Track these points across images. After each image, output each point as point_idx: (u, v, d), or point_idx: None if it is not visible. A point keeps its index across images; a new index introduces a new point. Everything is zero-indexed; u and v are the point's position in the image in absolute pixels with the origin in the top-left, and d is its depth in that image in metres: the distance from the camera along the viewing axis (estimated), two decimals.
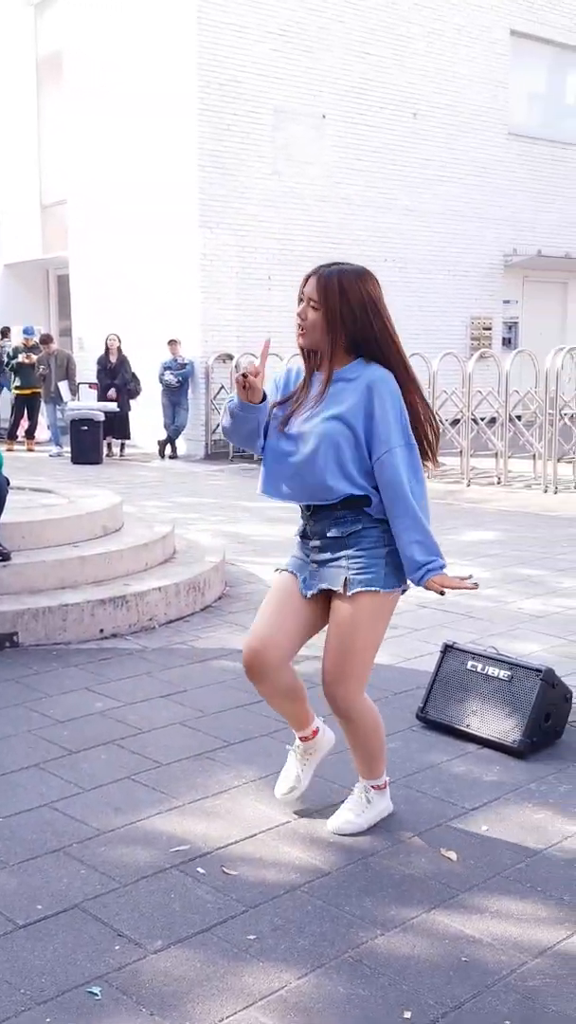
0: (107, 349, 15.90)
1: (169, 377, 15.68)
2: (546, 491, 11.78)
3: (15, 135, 21.92)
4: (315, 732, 3.54)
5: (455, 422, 13.74)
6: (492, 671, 4.15)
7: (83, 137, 18.63)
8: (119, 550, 6.27)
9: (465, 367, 13.29)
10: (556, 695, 4.07)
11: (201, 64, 15.89)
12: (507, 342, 20.16)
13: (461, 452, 12.95)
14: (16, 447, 16.68)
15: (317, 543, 3.21)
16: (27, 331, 16.99)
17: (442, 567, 3.14)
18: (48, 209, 21.81)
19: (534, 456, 13.01)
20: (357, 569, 3.13)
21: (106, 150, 17.90)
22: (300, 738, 3.54)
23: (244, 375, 3.03)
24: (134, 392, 15.93)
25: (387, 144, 18.05)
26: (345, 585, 3.14)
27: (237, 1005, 2.48)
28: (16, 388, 16.59)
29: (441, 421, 13.36)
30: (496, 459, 12.87)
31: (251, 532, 8.97)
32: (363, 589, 3.13)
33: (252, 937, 2.76)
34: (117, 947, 2.71)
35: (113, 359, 15.83)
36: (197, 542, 7.46)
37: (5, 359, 17.01)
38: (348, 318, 3.04)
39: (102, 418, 14.96)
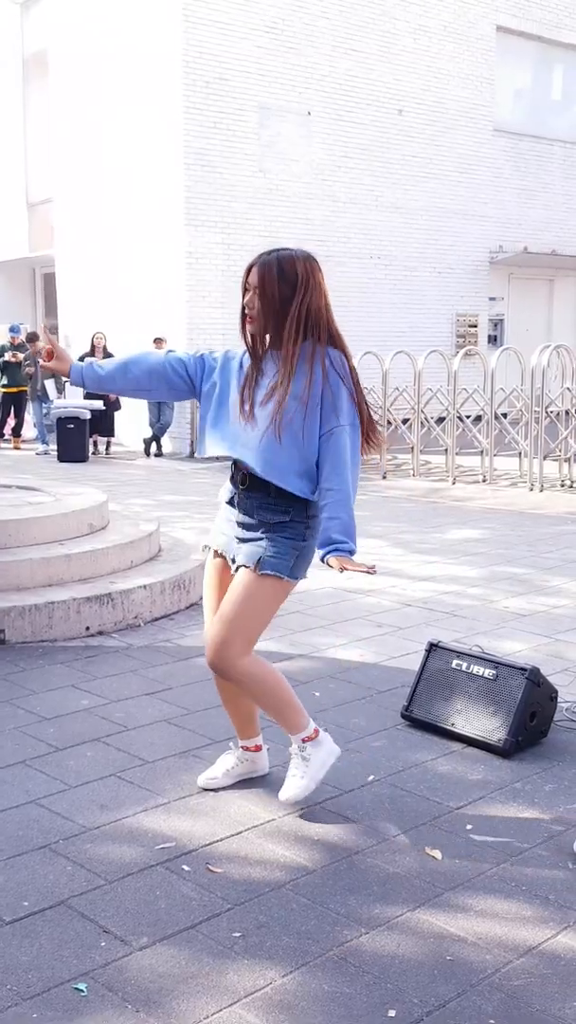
0: (93, 347, 15.87)
1: None
2: (532, 489, 11.82)
3: (1, 133, 21.86)
4: (257, 748, 3.72)
5: (440, 420, 13.78)
6: (477, 670, 4.16)
7: (69, 135, 18.59)
8: (105, 548, 6.26)
9: (451, 364, 13.32)
10: (541, 694, 4.08)
11: (187, 62, 15.88)
12: (493, 339, 20.21)
13: (447, 450, 12.98)
14: (2, 445, 16.63)
15: (244, 519, 3.34)
16: (13, 329, 16.93)
17: (351, 552, 3.20)
18: (34, 207, 21.75)
19: (520, 454, 13.05)
20: (273, 553, 3.26)
21: (92, 148, 17.86)
22: (242, 746, 3.70)
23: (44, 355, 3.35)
24: None
25: (373, 141, 18.08)
26: (258, 564, 3.27)
27: (222, 1002, 2.48)
28: (3, 387, 16.53)
29: (427, 419, 13.43)
30: (481, 457, 12.91)
31: None
32: (271, 573, 3.26)
33: (237, 935, 2.76)
34: (103, 944, 2.72)
35: (99, 356, 15.81)
36: (182, 540, 7.46)
37: None
38: (289, 299, 3.13)
39: (88, 416, 14.95)
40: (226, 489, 3.45)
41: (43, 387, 16.15)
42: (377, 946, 2.72)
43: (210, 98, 16.16)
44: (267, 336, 3.24)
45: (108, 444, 16.22)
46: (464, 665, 4.20)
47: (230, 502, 3.41)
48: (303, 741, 3.47)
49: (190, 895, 2.96)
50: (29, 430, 17.39)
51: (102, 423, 15.64)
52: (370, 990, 2.53)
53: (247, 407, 3.24)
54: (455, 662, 4.23)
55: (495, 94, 19.80)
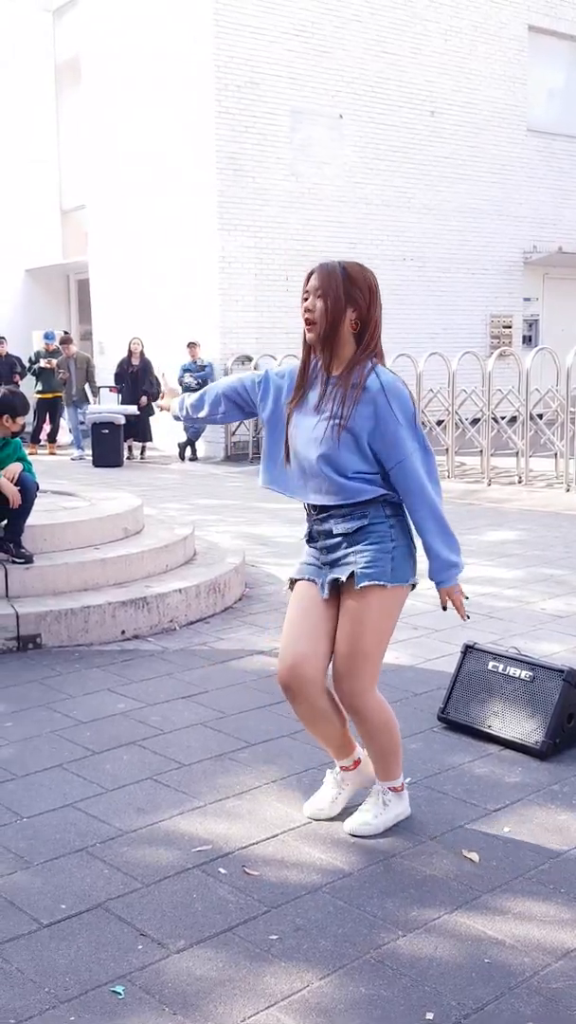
0: (130, 352, 15.92)
1: (188, 379, 15.72)
2: (568, 490, 11.72)
3: (35, 141, 22.04)
4: (356, 763, 3.52)
5: (475, 421, 13.71)
6: (513, 671, 4.13)
7: (101, 141, 18.71)
8: (140, 552, 6.29)
9: (485, 365, 13.25)
10: None
11: (218, 66, 15.92)
12: (527, 340, 20.09)
13: (481, 451, 12.91)
14: (38, 450, 16.75)
15: (325, 543, 3.23)
16: (48, 336, 17.03)
17: (460, 569, 3.22)
18: (68, 214, 21.92)
19: (555, 454, 12.95)
20: (364, 563, 3.13)
21: (124, 154, 17.97)
22: (340, 767, 3.52)
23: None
24: (155, 395, 15.98)
25: (405, 143, 18.02)
26: (351, 578, 3.14)
27: (259, 1005, 2.48)
28: (37, 392, 16.66)
29: (461, 421, 13.37)
30: (517, 458, 12.83)
31: (271, 534, 8.98)
32: (370, 583, 3.12)
33: (274, 937, 2.76)
34: (140, 947, 2.72)
35: (136, 362, 15.86)
36: (217, 544, 7.47)
37: (27, 364, 17.06)
38: (352, 302, 3.09)
39: (123, 421, 15.01)
40: (304, 529, 3.35)
41: (81, 392, 16.24)
42: (414, 949, 2.71)
43: (242, 102, 16.19)
44: (328, 340, 3.13)
45: (143, 449, 16.29)
46: (500, 667, 4.18)
47: (309, 538, 3.30)
48: (390, 790, 3.40)
49: (226, 898, 2.97)
50: (64, 435, 17.49)
51: (137, 428, 15.71)
52: (407, 993, 2.52)
53: (294, 417, 3.19)
54: (491, 664, 4.21)
55: (528, 94, 19.67)
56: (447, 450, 13.26)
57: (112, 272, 18.63)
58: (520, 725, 4.03)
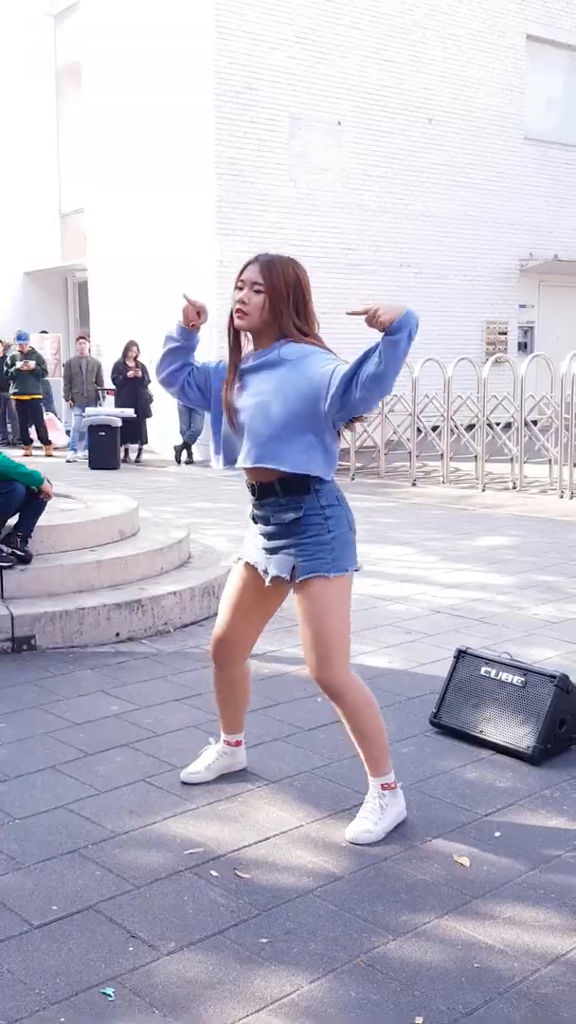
0: (125, 355, 15.89)
1: None
2: (562, 496, 11.75)
3: (34, 144, 22.05)
4: (238, 743, 3.85)
5: (470, 427, 13.73)
6: (506, 677, 4.15)
7: (101, 145, 18.73)
8: (135, 555, 6.29)
9: (480, 371, 13.27)
10: (571, 701, 4.05)
11: (218, 72, 15.94)
12: (523, 347, 20.12)
13: (476, 457, 12.93)
14: (34, 452, 16.70)
15: (265, 529, 3.37)
16: (21, 337, 16.71)
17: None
18: (67, 217, 21.91)
19: (550, 461, 12.97)
20: (304, 557, 3.26)
21: (124, 158, 17.99)
22: (223, 740, 3.82)
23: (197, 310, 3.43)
24: (150, 399, 15.98)
25: (403, 150, 18.06)
26: (293, 572, 3.28)
27: (249, 1008, 2.48)
28: (14, 395, 16.38)
29: (456, 426, 13.37)
30: (511, 464, 12.85)
31: None
32: (312, 576, 3.25)
33: (264, 940, 2.76)
34: (131, 948, 2.73)
35: (131, 365, 15.84)
36: (212, 547, 7.48)
37: (4, 368, 16.82)
38: (287, 296, 3.22)
39: (119, 424, 14.99)
40: (249, 506, 3.49)
41: (94, 393, 16.19)
42: (404, 953, 2.71)
43: (241, 108, 16.22)
44: (259, 331, 3.29)
45: (139, 452, 16.25)
46: (493, 672, 4.19)
47: (252, 518, 3.45)
48: (382, 788, 3.43)
49: (218, 901, 2.97)
50: (60, 437, 17.42)
51: (133, 431, 15.67)
52: (397, 997, 2.53)
53: (232, 414, 3.32)
54: (484, 669, 4.22)
55: (525, 102, 19.72)
56: (442, 455, 13.28)
57: (110, 275, 18.64)
58: (512, 730, 4.04)
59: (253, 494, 3.38)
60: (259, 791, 3.71)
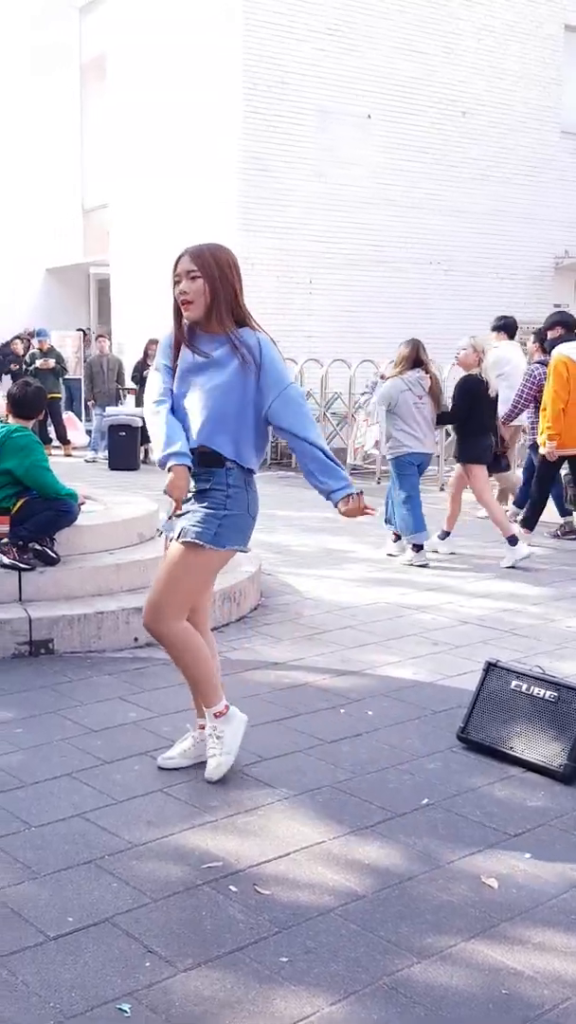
0: (146, 354, 15.82)
1: None
2: None
3: (58, 139, 22.06)
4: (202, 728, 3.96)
5: None
6: (537, 691, 4.03)
7: (125, 140, 18.67)
8: (155, 558, 6.20)
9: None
10: None
11: (246, 65, 15.84)
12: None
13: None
14: (53, 452, 16.63)
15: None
16: (40, 334, 16.69)
17: (347, 489, 3.57)
18: (89, 213, 21.88)
19: None
20: (194, 522, 3.58)
21: (148, 153, 17.93)
22: (199, 727, 3.93)
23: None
24: None
25: (434, 144, 17.87)
26: (180, 534, 3.59)
27: None
28: None
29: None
30: None
31: (288, 542, 8.90)
32: (192, 540, 3.56)
33: (284, 959, 2.70)
34: (147, 964, 2.67)
35: (151, 363, 15.79)
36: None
37: (23, 366, 16.80)
38: (221, 278, 3.54)
39: (140, 424, 14.91)
40: None
41: (116, 392, 16.16)
42: (429, 977, 2.64)
43: (268, 101, 16.12)
44: (206, 313, 3.57)
45: None
46: (524, 686, 4.08)
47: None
48: (215, 716, 3.78)
49: (236, 917, 2.91)
50: (81, 437, 17.34)
51: None
52: (421, 1022, 2.45)
53: (183, 378, 3.63)
54: (514, 683, 4.11)
55: (563, 95, 19.36)
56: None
57: (133, 272, 18.57)
58: (543, 747, 3.94)
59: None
60: (279, 804, 3.63)
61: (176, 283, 3.57)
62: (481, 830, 3.48)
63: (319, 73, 16.54)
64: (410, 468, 8.02)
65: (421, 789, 3.77)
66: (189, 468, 3.53)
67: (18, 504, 5.75)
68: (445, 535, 8.34)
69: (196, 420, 3.58)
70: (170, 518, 3.69)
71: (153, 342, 15.76)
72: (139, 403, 15.72)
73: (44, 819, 3.48)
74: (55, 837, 3.36)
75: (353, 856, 3.27)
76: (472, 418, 8.04)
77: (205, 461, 3.57)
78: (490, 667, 4.22)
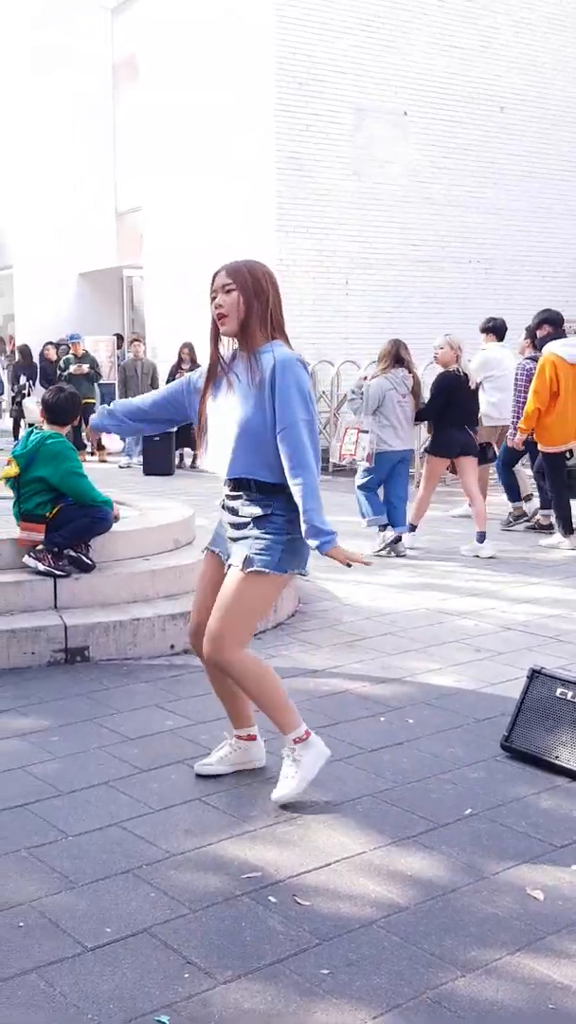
0: (180, 358, 15.80)
1: None
2: None
3: (90, 141, 22.12)
4: (250, 737, 3.93)
5: None
6: None
7: (158, 141, 18.63)
8: (191, 564, 6.18)
9: None
10: None
11: (280, 62, 15.75)
12: None
13: None
14: (87, 458, 16.67)
15: (231, 519, 3.64)
16: (74, 337, 16.61)
17: (331, 539, 3.47)
18: (123, 216, 21.90)
19: None
20: (258, 550, 3.52)
21: (181, 154, 17.89)
22: (235, 736, 3.91)
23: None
24: None
25: (473, 140, 17.67)
26: (245, 562, 3.52)
27: None
28: None
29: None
30: None
31: None
32: (258, 569, 3.51)
33: (325, 972, 2.66)
34: (186, 975, 2.64)
35: (187, 368, 15.73)
36: None
37: (58, 371, 16.85)
38: (256, 290, 3.51)
39: (175, 428, 14.88)
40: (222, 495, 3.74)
41: None
42: (474, 990, 2.59)
43: (303, 99, 16.04)
44: (241, 328, 3.53)
45: (195, 457, 16.11)
46: (569, 694, 3.98)
47: (223, 506, 3.70)
48: (294, 742, 3.62)
49: (277, 928, 2.87)
50: (116, 442, 17.31)
51: (190, 435, 15.53)
52: None
53: (204, 420, 3.64)
54: (560, 690, 4.02)
55: None
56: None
57: (166, 275, 18.55)
58: None
59: (226, 486, 3.66)
60: (319, 814, 3.58)
61: (212, 299, 3.56)
62: (526, 841, 3.41)
63: (355, 70, 16.42)
64: (387, 465, 8.26)
65: (464, 799, 3.70)
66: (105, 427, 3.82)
67: (54, 511, 5.74)
68: (482, 536, 8.32)
69: (227, 449, 3.55)
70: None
71: (186, 346, 15.76)
72: None
73: (81, 828, 3.46)
74: (92, 846, 3.33)
75: (395, 867, 3.22)
76: (449, 413, 8.27)
77: (263, 489, 3.54)
78: (534, 674, 4.13)
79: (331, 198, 16.41)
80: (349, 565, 3.49)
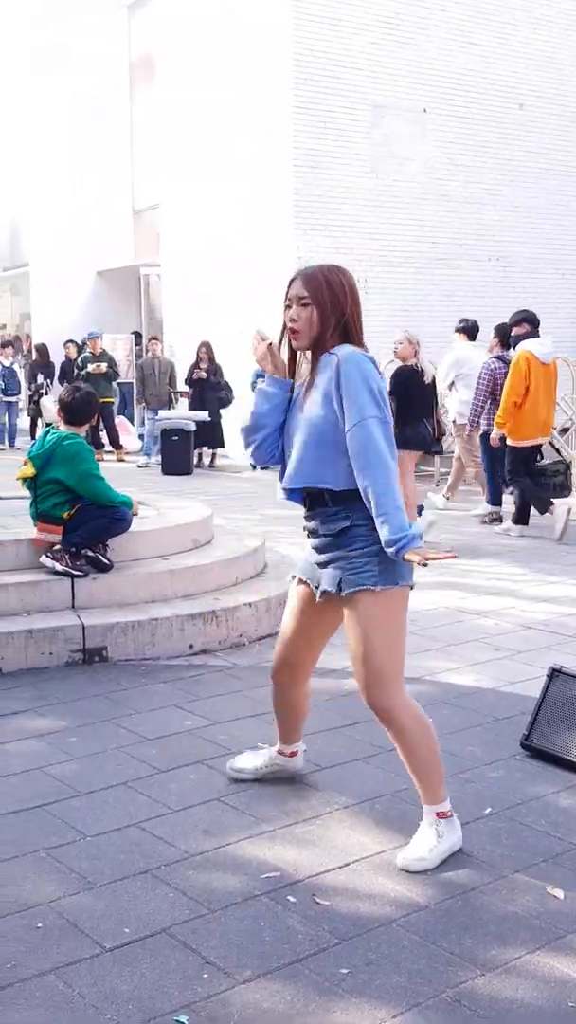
0: (198, 357, 15.79)
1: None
2: None
3: (108, 139, 22.11)
4: (293, 754, 3.80)
5: (564, 430, 13.36)
6: None
7: (175, 139, 18.63)
8: (209, 563, 6.19)
9: (575, 371, 12.92)
10: None
11: (297, 59, 15.70)
12: None
13: (570, 464, 12.55)
14: (105, 457, 16.69)
15: (315, 542, 3.34)
16: (92, 334, 16.41)
17: (415, 540, 3.09)
18: (140, 214, 21.89)
19: None
20: (350, 569, 3.20)
21: (199, 152, 17.88)
22: (278, 751, 3.78)
23: (268, 343, 3.31)
24: (225, 401, 15.77)
25: (491, 138, 17.57)
26: (340, 586, 3.21)
27: None
28: None
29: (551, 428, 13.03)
30: None
31: None
32: (358, 589, 3.18)
33: (345, 971, 2.66)
34: (205, 975, 2.64)
35: (204, 367, 15.72)
36: (289, 556, 7.33)
37: (76, 370, 16.86)
38: (333, 304, 3.21)
39: (193, 428, 14.89)
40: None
41: (169, 396, 16.15)
42: (494, 989, 2.59)
43: (321, 96, 15.99)
44: (315, 345, 3.27)
45: (213, 456, 16.11)
46: None
47: (305, 530, 3.43)
48: (437, 816, 3.28)
49: (296, 928, 2.87)
50: (134, 441, 17.34)
51: (209, 434, 15.53)
52: None
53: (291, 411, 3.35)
54: None
55: None
56: None
57: (184, 273, 18.55)
58: None
59: (303, 505, 3.36)
60: (338, 814, 3.58)
61: (287, 308, 3.27)
62: (546, 840, 3.39)
63: (372, 67, 16.35)
64: None
65: (484, 798, 3.69)
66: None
67: (72, 512, 5.75)
68: (420, 510, 8.67)
69: (293, 459, 3.30)
70: None
71: (204, 345, 15.75)
72: (192, 406, 15.68)
73: (99, 829, 3.46)
74: (110, 847, 3.34)
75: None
76: (405, 406, 8.45)
77: (338, 500, 3.22)
78: (554, 673, 4.11)
79: (348, 195, 16.35)
80: (425, 564, 3.07)
